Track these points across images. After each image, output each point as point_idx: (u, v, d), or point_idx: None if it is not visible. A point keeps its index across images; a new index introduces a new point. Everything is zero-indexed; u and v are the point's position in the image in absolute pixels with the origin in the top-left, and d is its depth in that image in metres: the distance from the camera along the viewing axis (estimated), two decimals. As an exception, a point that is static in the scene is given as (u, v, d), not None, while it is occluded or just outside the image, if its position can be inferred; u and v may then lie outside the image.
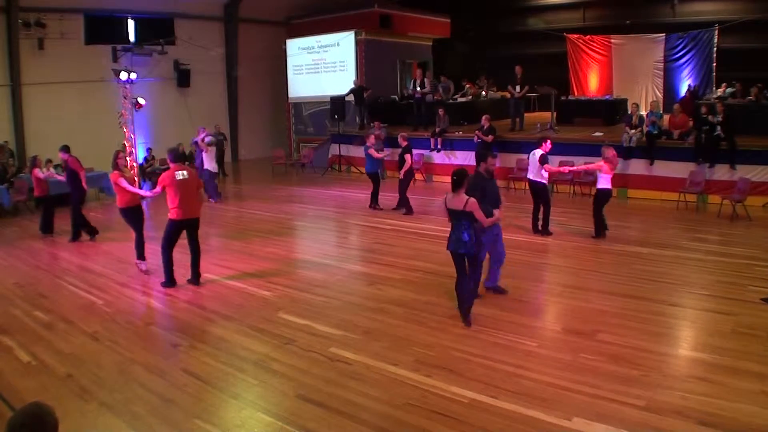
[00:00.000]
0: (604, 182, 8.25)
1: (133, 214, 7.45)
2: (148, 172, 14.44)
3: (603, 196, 8.31)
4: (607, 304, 5.87)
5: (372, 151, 10.85)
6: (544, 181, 8.52)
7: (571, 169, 9.56)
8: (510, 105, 13.85)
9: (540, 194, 8.62)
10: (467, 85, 16.80)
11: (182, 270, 6.87)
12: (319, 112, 17.80)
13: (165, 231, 6.67)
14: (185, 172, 6.54)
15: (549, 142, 8.63)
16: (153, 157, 15.04)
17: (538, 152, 8.44)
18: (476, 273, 5.61)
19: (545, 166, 8.37)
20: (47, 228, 9.67)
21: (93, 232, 9.35)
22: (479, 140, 12.40)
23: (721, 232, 8.80)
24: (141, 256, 7.46)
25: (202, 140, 12.06)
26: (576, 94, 17.95)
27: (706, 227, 9.19)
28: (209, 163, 12.11)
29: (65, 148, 9.26)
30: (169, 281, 6.74)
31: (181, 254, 6.89)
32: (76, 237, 9.27)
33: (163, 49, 14.91)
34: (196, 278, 6.86)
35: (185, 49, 16.51)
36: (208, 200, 11.92)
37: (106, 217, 11.26)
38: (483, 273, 6.00)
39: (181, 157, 6.80)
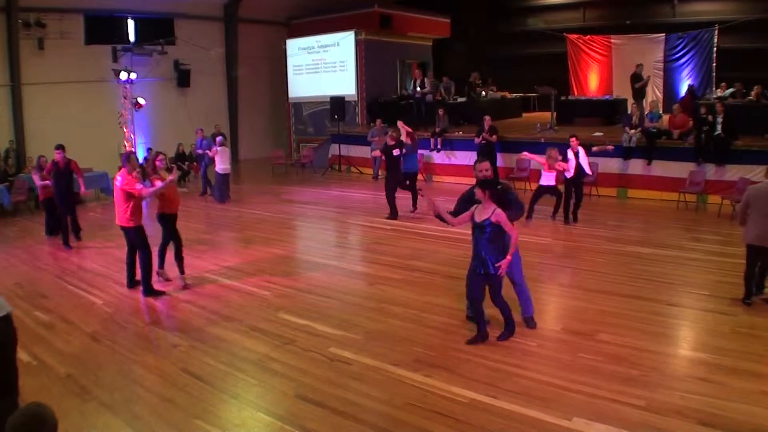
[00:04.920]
0: (545, 179, 9.24)
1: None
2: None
3: (539, 189, 9.41)
4: (607, 304, 5.87)
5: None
6: (567, 175, 9.27)
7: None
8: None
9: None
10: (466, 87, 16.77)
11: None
12: (319, 112, 17.81)
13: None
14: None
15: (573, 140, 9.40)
16: (153, 157, 15.05)
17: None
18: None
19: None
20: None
21: (66, 240, 8.83)
22: (484, 141, 12.29)
23: (721, 232, 8.78)
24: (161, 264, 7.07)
25: (212, 148, 12.01)
26: (576, 94, 17.95)
27: (706, 227, 9.19)
28: (221, 165, 11.77)
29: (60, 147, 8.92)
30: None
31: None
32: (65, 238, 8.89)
33: (163, 49, 14.90)
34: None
35: (185, 49, 16.51)
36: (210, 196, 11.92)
37: (105, 217, 11.27)
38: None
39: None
